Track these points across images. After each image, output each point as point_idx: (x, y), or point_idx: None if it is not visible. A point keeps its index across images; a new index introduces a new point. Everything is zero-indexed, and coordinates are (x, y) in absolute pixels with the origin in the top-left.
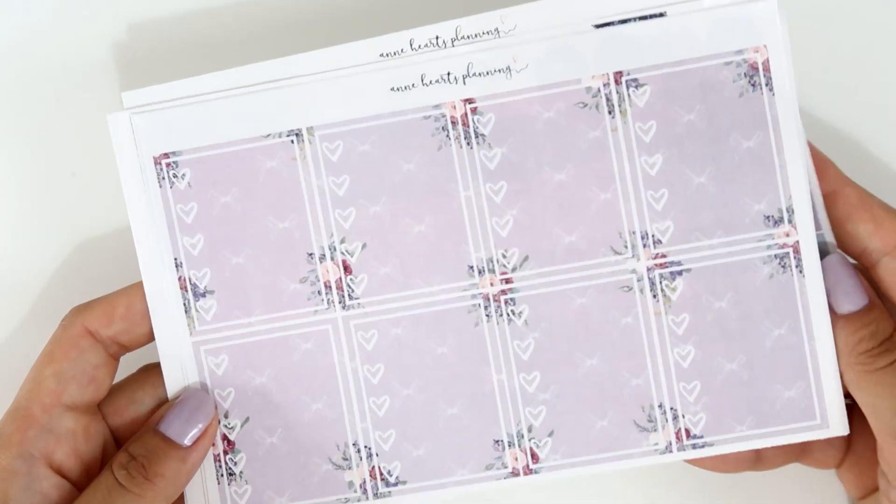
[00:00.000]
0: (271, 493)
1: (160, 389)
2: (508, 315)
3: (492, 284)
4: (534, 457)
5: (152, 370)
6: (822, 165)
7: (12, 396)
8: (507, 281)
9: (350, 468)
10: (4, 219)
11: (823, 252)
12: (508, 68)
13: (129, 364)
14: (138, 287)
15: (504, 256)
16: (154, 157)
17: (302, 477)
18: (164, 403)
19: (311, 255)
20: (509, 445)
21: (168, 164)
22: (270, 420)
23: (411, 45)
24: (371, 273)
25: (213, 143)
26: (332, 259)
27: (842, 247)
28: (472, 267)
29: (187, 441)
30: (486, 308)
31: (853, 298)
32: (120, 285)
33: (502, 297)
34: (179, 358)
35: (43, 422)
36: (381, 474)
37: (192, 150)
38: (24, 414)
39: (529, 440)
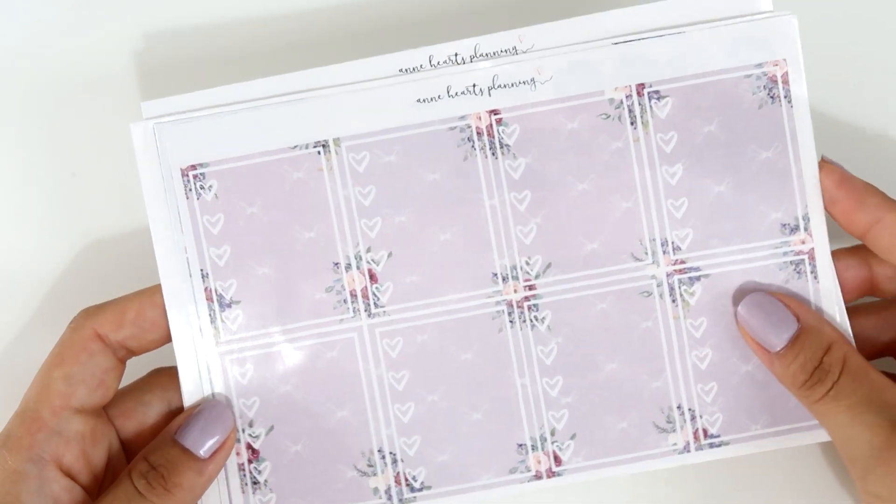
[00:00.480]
0: (296, 501)
1: (169, 393)
2: (531, 321)
3: (515, 291)
4: (556, 460)
5: (161, 374)
6: (860, 196)
7: (18, 397)
8: (531, 287)
9: (375, 475)
10: (13, 220)
11: None
12: (533, 80)
13: (133, 365)
14: (149, 292)
15: (527, 264)
16: (181, 169)
17: (327, 484)
18: (171, 408)
19: (336, 264)
20: (532, 449)
21: (195, 176)
22: (295, 428)
23: (430, 61)
24: (396, 281)
25: (240, 155)
26: (358, 268)
27: (893, 279)
28: (495, 274)
29: (204, 453)
30: (509, 314)
31: (780, 333)
32: (128, 288)
33: (525, 304)
34: (205, 366)
35: (52, 424)
36: (406, 480)
37: (219, 162)
38: (32, 416)
39: (552, 443)
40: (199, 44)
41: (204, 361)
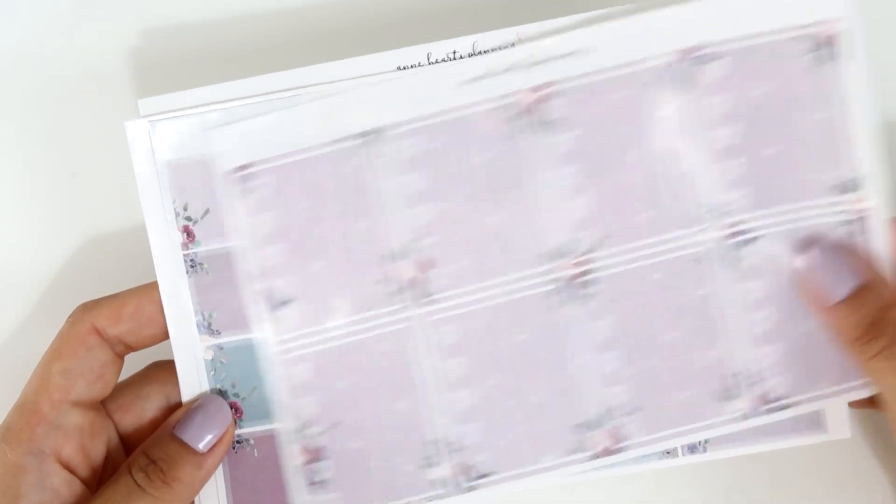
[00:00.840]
0: (361, 498)
1: (167, 387)
2: (584, 297)
3: (566, 268)
4: (618, 438)
5: (160, 368)
6: None
7: (17, 392)
8: (582, 263)
9: (437, 464)
10: (14, 219)
11: None
12: (577, 51)
13: (132, 358)
14: (147, 288)
15: (579, 239)
16: (230, 169)
17: (389, 479)
18: (170, 402)
19: (384, 256)
20: (593, 427)
21: (243, 177)
22: (354, 424)
23: (428, 58)
24: (447, 268)
25: (283, 153)
26: (407, 258)
27: None
28: (548, 253)
29: (203, 447)
30: (563, 291)
31: (841, 284)
32: (127, 284)
33: (578, 280)
34: (201, 361)
35: (51, 418)
36: (467, 468)
37: (264, 161)
38: (31, 409)
39: (612, 420)
40: (199, 41)
41: (200, 356)
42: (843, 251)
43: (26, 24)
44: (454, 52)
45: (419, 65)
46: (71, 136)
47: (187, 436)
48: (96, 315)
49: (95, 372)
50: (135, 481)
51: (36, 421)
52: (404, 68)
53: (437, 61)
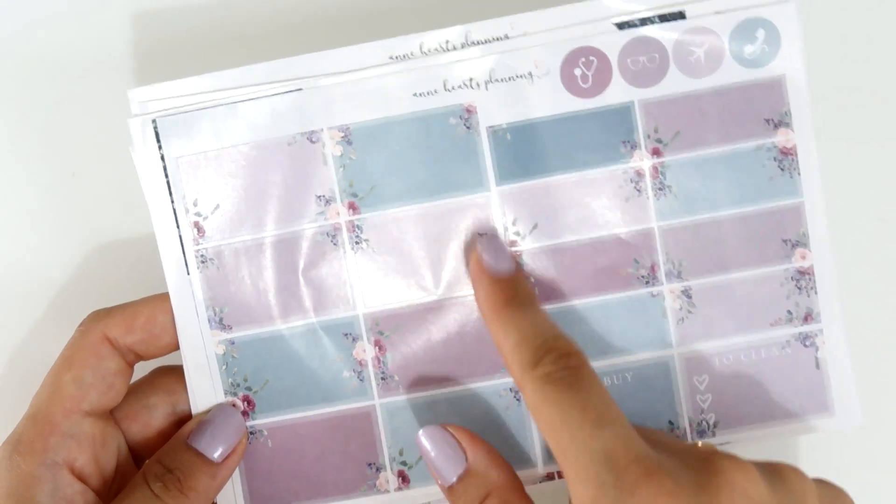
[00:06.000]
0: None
1: (174, 396)
2: None
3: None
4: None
5: (165, 374)
6: None
7: (24, 398)
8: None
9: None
10: (18, 221)
11: None
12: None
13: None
14: (159, 299)
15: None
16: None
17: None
18: (176, 410)
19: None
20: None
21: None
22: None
23: (421, 48)
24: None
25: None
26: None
27: None
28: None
29: (217, 457)
30: None
31: (449, 470)
32: (134, 289)
33: None
34: (215, 369)
35: (64, 428)
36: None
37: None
38: (44, 419)
39: None
40: (194, 34)
41: (212, 351)
42: (448, 435)
43: (25, 21)
44: (447, 42)
45: (412, 55)
46: (71, 136)
47: (201, 445)
48: (108, 324)
49: (107, 381)
50: (151, 490)
51: (49, 431)
52: (396, 58)
53: (429, 51)
